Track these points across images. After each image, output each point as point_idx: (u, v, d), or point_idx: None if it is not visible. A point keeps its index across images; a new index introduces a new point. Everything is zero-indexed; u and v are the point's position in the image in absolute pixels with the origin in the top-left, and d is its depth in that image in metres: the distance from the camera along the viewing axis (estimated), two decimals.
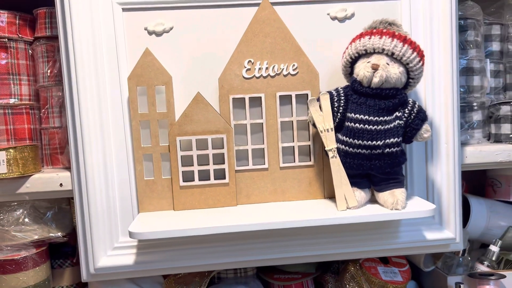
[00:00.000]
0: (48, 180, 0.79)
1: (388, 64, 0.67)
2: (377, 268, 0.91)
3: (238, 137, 0.76)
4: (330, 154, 0.70)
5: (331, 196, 0.76)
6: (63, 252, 0.93)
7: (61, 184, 0.78)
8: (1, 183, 0.77)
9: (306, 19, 0.77)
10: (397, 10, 0.78)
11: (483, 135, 0.93)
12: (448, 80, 0.78)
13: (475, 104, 0.92)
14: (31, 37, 0.86)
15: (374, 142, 0.67)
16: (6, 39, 0.83)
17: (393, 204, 0.68)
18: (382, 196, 0.71)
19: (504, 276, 0.87)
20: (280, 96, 0.75)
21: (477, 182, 1.12)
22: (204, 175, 0.75)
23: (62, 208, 0.90)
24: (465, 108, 0.91)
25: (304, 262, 0.90)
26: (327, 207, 0.72)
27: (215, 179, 0.75)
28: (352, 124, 0.68)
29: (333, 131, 0.70)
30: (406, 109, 0.69)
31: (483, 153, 0.86)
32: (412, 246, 0.80)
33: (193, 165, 0.74)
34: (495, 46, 0.97)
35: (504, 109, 0.91)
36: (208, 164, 0.74)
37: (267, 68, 0.74)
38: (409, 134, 0.69)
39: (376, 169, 0.68)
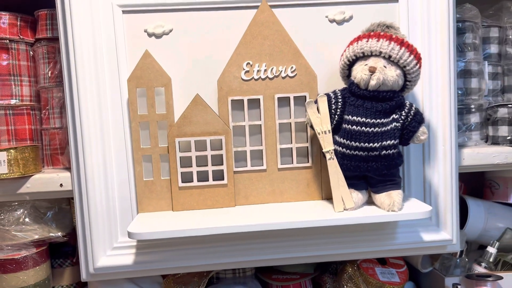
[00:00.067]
0: (48, 180, 0.79)
1: (385, 67, 0.67)
2: (374, 269, 0.92)
3: (237, 139, 0.76)
4: (328, 156, 0.70)
5: (329, 198, 0.76)
6: (63, 252, 0.94)
7: (61, 185, 0.79)
8: (2, 183, 0.78)
9: (305, 21, 0.77)
10: (395, 13, 0.78)
11: (480, 137, 0.93)
12: (446, 82, 0.78)
13: (472, 106, 0.92)
14: (32, 39, 0.87)
15: (371, 144, 0.67)
16: (8, 41, 0.84)
17: (390, 206, 0.69)
18: (379, 197, 0.71)
19: (501, 278, 0.87)
20: (279, 98, 0.76)
21: (475, 184, 1.12)
22: (202, 176, 0.75)
23: (62, 208, 0.90)
24: (463, 110, 0.92)
25: (302, 263, 0.90)
26: (324, 208, 0.73)
27: (213, 180, 0.75)
28: (350, 126, 0.68)
29: (331, 133, 0.70)
30: (403, 112, 0.69)
31: (480, 155, 0.86)
32: (409, 247, 0.81)
33: (192, 166, 0.75)
34: (493, 49, 0.97)
35: (502, 111, 0.92)
36: (207, 165, 0.75)
37: (265, 70, 0.75)
38: (406, 136, 0.70)
39: (373, 171, 0.69)
